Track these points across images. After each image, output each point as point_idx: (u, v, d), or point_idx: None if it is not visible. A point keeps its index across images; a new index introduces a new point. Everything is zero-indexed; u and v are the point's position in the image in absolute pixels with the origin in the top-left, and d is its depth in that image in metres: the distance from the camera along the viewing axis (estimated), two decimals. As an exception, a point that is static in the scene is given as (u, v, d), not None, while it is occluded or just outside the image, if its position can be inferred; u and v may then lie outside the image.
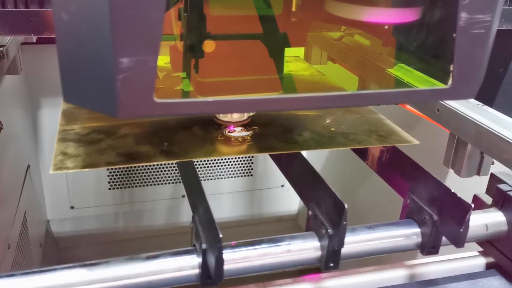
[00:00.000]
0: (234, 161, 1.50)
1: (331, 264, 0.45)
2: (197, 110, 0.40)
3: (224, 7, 0.58)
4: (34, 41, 1.06)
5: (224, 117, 0.62)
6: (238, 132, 0.61)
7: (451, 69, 0.42)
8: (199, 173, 1.45)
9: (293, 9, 0.63)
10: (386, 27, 0.56)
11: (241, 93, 0.58)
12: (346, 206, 0.43)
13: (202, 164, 1.47)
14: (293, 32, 0.65)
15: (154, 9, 0.34)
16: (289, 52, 0.65)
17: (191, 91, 0.59)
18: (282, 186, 1.57)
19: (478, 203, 0.54)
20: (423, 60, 0.52)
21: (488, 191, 0.54)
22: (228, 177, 1.51)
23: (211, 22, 0.56)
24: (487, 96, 0.45)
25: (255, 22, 0.59)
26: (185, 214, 1.50)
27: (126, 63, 0.34)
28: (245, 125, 0.62)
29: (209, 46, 0.56)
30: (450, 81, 0.42)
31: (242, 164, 1.51)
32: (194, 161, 0.55)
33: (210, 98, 0.38)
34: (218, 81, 0.59)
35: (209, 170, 1.48)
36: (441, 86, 0.45)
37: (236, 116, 0.62)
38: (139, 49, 0.34)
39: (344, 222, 0.43)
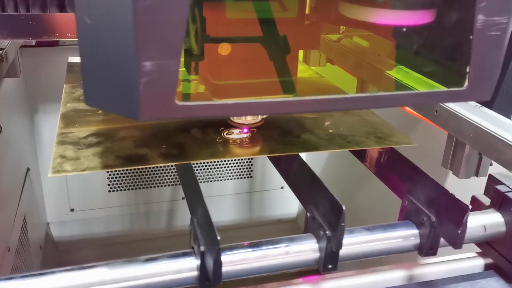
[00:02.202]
0: (233, 163, 1.50)
1: (330, 266, 0.45)
2: (218, 112, 0.40)
3: (237, 10, 0.58)
4: (33, 44, 1.06)
5: (238, 119, 0.62)
6: (236, 134, 0.61)
7: (467, 70, 0.42)
8: (199, 175, 1.45)
9: (307, 11, 0.63)
10: (404, 29, 0.55)
11: (256, 95, 0.59)
12: (344, 207, 0.43)
13: (202, 166, 1.47)
14: (306, 34, 0.65)
15: (177, 13, 0.34)
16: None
17: (202, 93, 0.60)
18: (282, 188, 1.57)
19: (476, 204, 0.54)
20: (433, 62, 0.52)
21: (486, 192, 0.54)
22: (227, 179, 1.51)
23: (221, 25, 0.56)
24: (485, 98, 0.45)
25: (268, 25, 0.59)
26: (185, 216, 1.50)
27: (149, 66, 0.35)
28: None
29: (224, 49, 0.57)
30: (466, 83, 0.43)
31: (241, 166, 1.51)
32: (193, 163, 0.55)
33: (230, 101, 0.39)
34: (233, 83, 0.59)
35: (209, 172, 1.48)
36: (442, 88, 0.45)
37: (249, 118, 0.62)
38: (162, 53, 0.35)
39: (342, 224, 0.44)
